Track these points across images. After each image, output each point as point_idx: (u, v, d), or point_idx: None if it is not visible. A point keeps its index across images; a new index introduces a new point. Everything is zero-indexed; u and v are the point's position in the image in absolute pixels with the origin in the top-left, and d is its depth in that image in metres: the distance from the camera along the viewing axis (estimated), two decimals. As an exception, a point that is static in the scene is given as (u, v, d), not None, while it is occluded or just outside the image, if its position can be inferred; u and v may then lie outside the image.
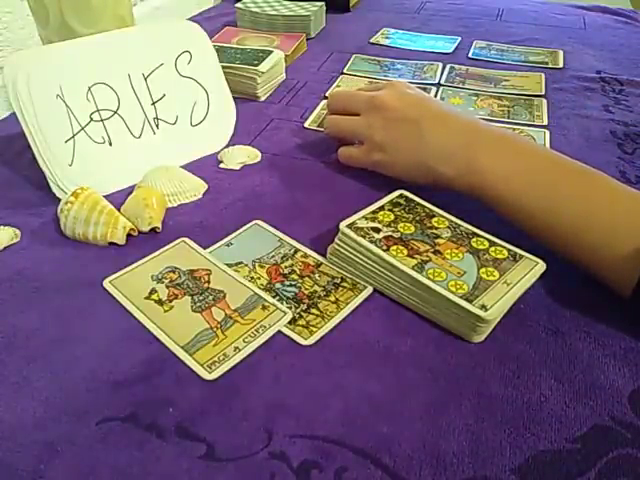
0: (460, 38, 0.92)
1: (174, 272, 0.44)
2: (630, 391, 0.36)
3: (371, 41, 0.92)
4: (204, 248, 0.47)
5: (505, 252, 0.42)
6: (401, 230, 0.43)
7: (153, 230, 0.48)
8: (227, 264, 0.45)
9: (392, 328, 0.40)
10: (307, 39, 0.90)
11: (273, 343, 0.39)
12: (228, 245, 0.47)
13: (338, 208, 0.48)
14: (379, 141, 0.52)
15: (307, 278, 0.44)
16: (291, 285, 0.43)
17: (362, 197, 0.48)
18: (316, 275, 0.44)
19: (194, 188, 0.54)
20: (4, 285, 0.43)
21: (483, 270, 0.40)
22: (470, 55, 0.87)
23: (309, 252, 0.46)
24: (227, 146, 0.61)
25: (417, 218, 0.45)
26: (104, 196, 0.50)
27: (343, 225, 0.43)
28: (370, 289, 0.43)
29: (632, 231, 0.39)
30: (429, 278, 0.39)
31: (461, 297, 0.37)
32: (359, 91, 0.55)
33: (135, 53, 0.55)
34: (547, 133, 0.64)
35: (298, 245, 0.47)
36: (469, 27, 0.99)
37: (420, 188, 0.50)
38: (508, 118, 0.68)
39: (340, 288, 0.43)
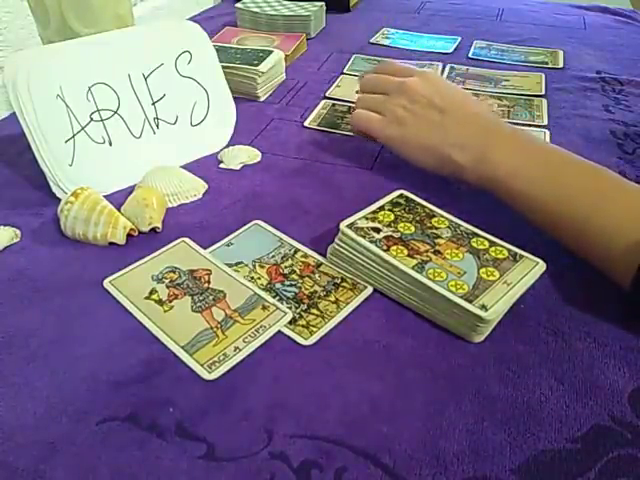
0: (460, 38, 0.93)
1: (174, 272, 0.44)
2: (630, 391, 0.36)
3: (371, 41, 0.92)
4: (204, 248, 0.47)
5: (505, 252, 0.42)
6: (401, 230, 0.43)
7: (153, 230, 0.48)
8: (227, 264, 0.45)
9: (392, 328, 0.40)
10: (307, 39, 0.90)
11: (273, 343, 0.39)
12: (228, 245, 0.47)
13: (338, 208, 0.48)
14: (400, 116, 0.53)
15: (307, 278, 0.44)
16: (291, 285, 0.43)
17: (362, 197, 0.48)
18: (316, 275, 0.44)
19: (194, 188, 0.54)
20: (4, 285, 0.43)
21: (483, 270, 0.40)
22: (470, 55, 0.87)
23: (309, 252, 0.46)
24: (227, 146, 0.61)
25: (417, 218, 0.45)
26: (104, 196, 0.50)
27: (343, 225, 0.43)
28: (370, 289, 0.43)
29: (636, 224, 0.40)
30: (429, 278, 0.39)
31: (461, 297, 0.37)
32: (389, 76, 0.56)
33: (135, 53, 0.55)
34: (547, 133, 0.64)
35: (298, 245, 0.47)
36: (469, 27, 0.99)
37: (420, 188, 0.50)
38: (508, 118, 0.68)
39: (340, 288, 0.43)
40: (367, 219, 0.44)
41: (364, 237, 0.42)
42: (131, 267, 0.45)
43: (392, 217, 0.45)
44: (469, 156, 0.48)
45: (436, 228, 0.44)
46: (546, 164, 0.46)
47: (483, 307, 0.37)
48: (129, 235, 0.47)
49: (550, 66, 0.83)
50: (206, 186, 0.55)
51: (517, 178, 0.46)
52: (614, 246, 0.40)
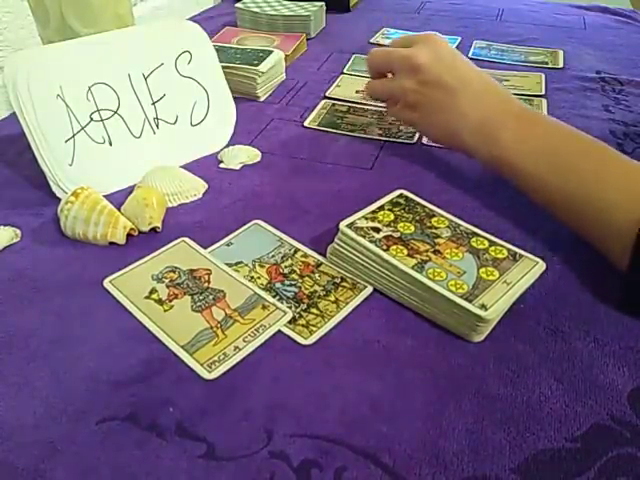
0: (460, 38, 0.93)
1: (174, 272, 0.44)
2: (629, 390, 0.36)
3: (371, 41, 0.92)
4: (204, 248, 0.47)
5: (505, 252, 0.42)
6: (401, 230, 0.43)
7: (153, 230, 0.48)
8: (227, 264, 0.45)
9: (392, 328, 0.40)
10: (307, 39, 0.90)
11: (273, 343, 0.39)
12: (228, 245, 0.47)
13: (338, 208, 0.48)
14: (412, 102, 0.54)
15: (307, 278, 0.44)
16: (291, 285, 0.43)
17: (362, 197, 0.48)
18: (316, 275, 0.44)
19: (194, 188, 0.54)
20: (4, 285, 0.43)
21: (483, 270, 0.40)
22: (470, 55, 0.87)
23: (309, 252, 0.46)
24: (227, 146, 0.61)
25: (417, 218, 0.45)
26: (104, 196, 0.50)
27: (343, 225, 0.43)
28: (370, 289, 0.43)
29: (635, 203, 0.40)
30: (429, 278, 0.39)
31: (461, 297, 0.37)
32: (395, 49, 0.55)
33: (135, 53, 0.55)
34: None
35: (298, 245, 0.47)
36: (469, 27, 0.99)
37: (420, 189, 0.50)
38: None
39: (340, 288, 0.43)
40: (367, 219, 0.44)
41: (364, 237, 0.42)
42: (131, 267, 0.45)
43: (392, 217, 0.45)
44: (481, 139, 0.49)
45: (436, 228, 0.44)
46: (548, 140, 0.47)
47: (483, 306, 0.37)
48: (129, 235, 0.47)
49: (550, 66, 0.83)
50: (206, 186, 0.55)
51: (521, 155, 0.46)
52: (612, 223, 0.40)
